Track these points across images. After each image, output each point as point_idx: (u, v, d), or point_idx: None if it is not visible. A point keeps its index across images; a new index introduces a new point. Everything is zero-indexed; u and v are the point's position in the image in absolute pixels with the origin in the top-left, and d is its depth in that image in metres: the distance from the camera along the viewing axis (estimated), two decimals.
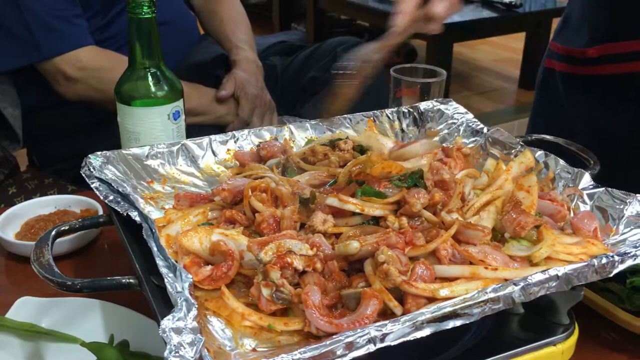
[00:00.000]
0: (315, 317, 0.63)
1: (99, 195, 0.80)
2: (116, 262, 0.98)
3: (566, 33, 1.24)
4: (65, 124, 1.59)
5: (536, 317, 0.74)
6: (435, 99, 1.12)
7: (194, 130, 1.16)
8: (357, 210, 0.75)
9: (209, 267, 0.71)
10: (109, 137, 1.15)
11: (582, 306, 0.81)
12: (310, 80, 1.83)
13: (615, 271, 0.67)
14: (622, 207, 0.79)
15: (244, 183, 0.84)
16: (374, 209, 0.75)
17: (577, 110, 1.22)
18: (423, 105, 1.10)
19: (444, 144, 1.03)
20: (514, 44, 4.31)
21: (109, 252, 1.03)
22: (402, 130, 1.09)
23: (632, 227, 0.77)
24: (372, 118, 1.07)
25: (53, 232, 0.75)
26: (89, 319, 0.83)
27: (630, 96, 1.14)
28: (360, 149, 0.94)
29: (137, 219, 0.73)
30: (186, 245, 0.72)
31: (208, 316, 0.68)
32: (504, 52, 4.54)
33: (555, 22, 1.17)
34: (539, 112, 1.35)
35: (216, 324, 0.67)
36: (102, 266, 0.99)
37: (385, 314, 0.66)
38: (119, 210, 0.76)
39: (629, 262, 0.68)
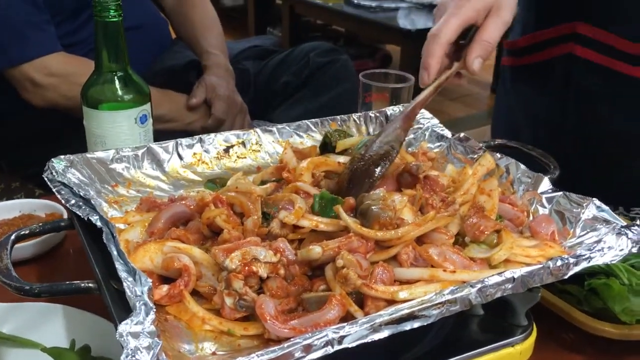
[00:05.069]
0: (277, 327, 0.63)
1: (60, 199, 0.79)
2: (81, 267, 0.97)
3: (512, 30, 1.32)
4: (34, 129, 1.57)
5: (495, 318, 0.76)
6: (402, 104, 1.13)
7: (163, 135, 1.15)
8: (312, 227, 0.75)
9: (165, 288, 0.70)
10: (79, 142, 1.14)
11: (542, 308, 0.82)
12: (283, 85, 1.84)
13: (570, 273, 0.69)
14: (578, 210, 0.81)
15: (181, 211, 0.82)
16: (328, 226, 0.76)
17: (519, 101, 1.30)
18: (390, 110, 1.11)
19: (409, 149, 1.04)
20: None
21: (73, 257, 1.02)
22: (369, 134, 1.09)
23: (588, 230, 0.78)
24: (338, 122, 1.07)
25: (12, 237, 0.74)
26: (50, 324, 0.82)
27: (555, 81, 1.20)
28: None
29: (98, 223, 0.72)
30: (137, 266, 0.69)
31: (169, 320, 0.68)
32: None
33: None
34: (496, 111, 1.43)
35: (176, 329, 0.67)
36: (67, 271, 0.98)
37: (347, 319, 0.67)
38: (79, 214, 0.75)
39: (584, 264, 0.69)
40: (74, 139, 1.19)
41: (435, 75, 0.90)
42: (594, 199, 0.81)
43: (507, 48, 1.32)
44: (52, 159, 0.87)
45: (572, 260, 0.69)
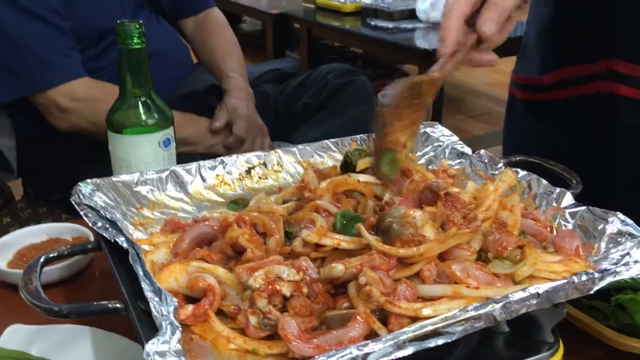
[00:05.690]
0: (301, 347, 0.64)
1: (87, 222, 0.81)
2: (107, 289, 0.98)
3: (523, 63, 1.30)
4: (60, 155, 1.60)
5: (521, 335, 0.75)
6: (421, 122, 1.14)
7: (186, 158, 1.17)
8: (334, 245, 0.76)
9: (190, 307, 0.71)
10: (104, 167, 1.16)
11: (568, 324, 0.81)
12: (303, 107, 1.86)
13: (596, 288, 0.68)
14: (603, 225, 0.80)
15: (204, 232, 0.83)
16: (350, 244, 0.76)
17: (536, 132, 1.27)
18: None
19: (429, 166, 1.04)
20: (506, 67, 4.35)
21: (100, 280, 1.03)
22: None
23: (612, 244, 0.78)
24: (358, 141, 1.08)
25: (42, 259, 0.76)
26: (78, 346, 0.83)
27: (583, 116, 1.18)
28: None
29: (125, 245, 0.74)
30: (163, 286, 0.69)
31: (194, 340, 0.69)
32: (496, 75, 4.58)
33: None
34: (506, 136, 1.41)
35: (202, 348, 0.68)
36: (94, 293, 0.99)
37: (371, 336, 0.67)
38: (106, 236, 0.77)
39: (609, 279, 0.69)
40: (99, 163, 1.22)
41: (452, 46, 0.90)
42: (618, 212, 0.80)
43: (523, 83, 1.29)
44: (79, 183, 0.89)
45: (597, 274, 0.68)
